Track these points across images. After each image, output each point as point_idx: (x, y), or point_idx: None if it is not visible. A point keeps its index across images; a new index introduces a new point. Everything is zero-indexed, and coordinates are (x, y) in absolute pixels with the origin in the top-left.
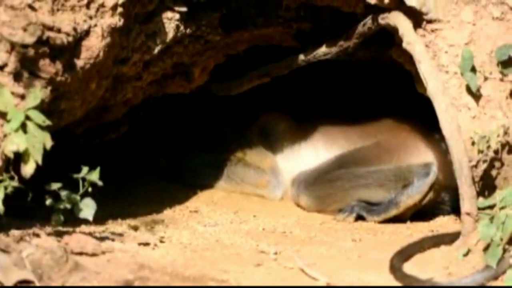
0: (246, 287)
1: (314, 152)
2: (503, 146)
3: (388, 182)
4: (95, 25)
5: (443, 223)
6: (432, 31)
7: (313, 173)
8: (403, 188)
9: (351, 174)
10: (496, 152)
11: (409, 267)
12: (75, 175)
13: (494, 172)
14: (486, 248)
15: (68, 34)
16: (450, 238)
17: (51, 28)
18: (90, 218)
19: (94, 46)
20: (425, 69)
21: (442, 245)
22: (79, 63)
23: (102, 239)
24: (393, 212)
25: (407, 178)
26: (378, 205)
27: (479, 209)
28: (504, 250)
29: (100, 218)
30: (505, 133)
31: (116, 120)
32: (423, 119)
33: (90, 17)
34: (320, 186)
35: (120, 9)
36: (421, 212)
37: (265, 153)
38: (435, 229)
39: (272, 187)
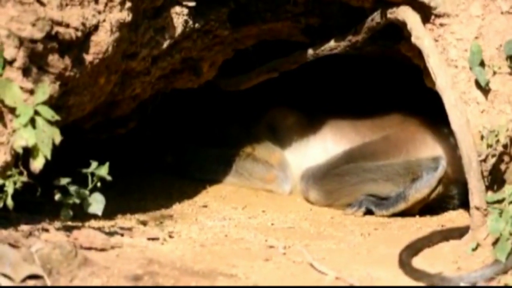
0: (255, 286)
1: (323, 146)
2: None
3: (396, 176)
4: (104, 20)
5: (452, 218)
6: (441, 25)
7: (322, 168)
8: (411, 182)
9: (360, 169)
10: (505, 146)
11: (418, 262)
12: (84, 170)
13: (503, 166)
14: (495, 243)
15: (76, 29)
16: (459, 233)
17: (59, 23)
18: (99, 213)
19: (102, 41)
20: (434, 63)
21: (451, 239)
22: (88, 58)
23: (111, 234)
24: (401, 206)
25: (416, 172)
26: (387, 199)
27: (488, 203)
28: None
29: (109, 213)
30: None
31: (124, 115)
32: (432, 114)
33: (99, 12)
34: (329, 180)
35: (128, 4)
36: (430, 207)
37: (273, 148)
38: (444, 223)
39: (281, 181)
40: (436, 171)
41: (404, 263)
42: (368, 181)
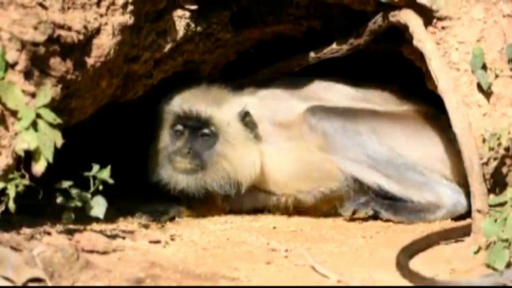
0: (257, 287)
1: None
2: None
3: (410, 186)
4: (106, 23)
5: (454, 221)
6: (443, 28)
7: (334, 111)
8: (434, 209)
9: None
10: (507, 149)
11: (419, 264)
12: (86, 173)
13: (505, 169)
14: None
15: (78, 32)
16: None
17: (61, 26)
18: (101, 216)
19: (104, 44)
20: (436, 66)
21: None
22: (90, 61)
23: (113, 237)
24: (417, 221)
25: (438, 201)
26: (396, 202)
27: (490, 206)
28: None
29: (111, 216)
30: None
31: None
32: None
33: (101, 15)
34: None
35: (130, 7)
36: None
37: None
38: (447, 226)
39: None
40: (457, 207)
41: (401, 265)
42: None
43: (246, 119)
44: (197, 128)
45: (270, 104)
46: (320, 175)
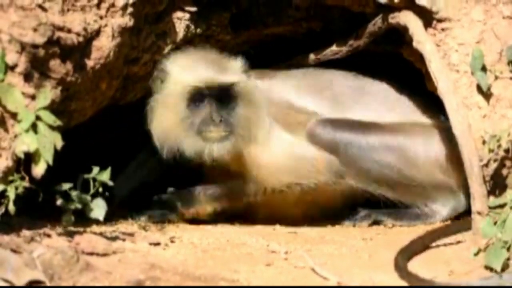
0: (257, 287)
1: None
2: None
3: (409, 194)
4: (106, 25)
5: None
6: (443, 30)
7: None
8: (434, 213)
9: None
10: (506, 151)
11: (418, 265)
12: (86, 175)
13: (505, 171)
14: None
15: (78, 34)
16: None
17: (61, 28)
18: (101, 218)
19: (104, 46)
20: (436, 68)
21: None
22: (90, 63)
23: (113, 239)
24: (417, 224)
25: (438, 209)
26: (399, 209)
27: (490, 208)
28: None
29: (110, 218)
30: None
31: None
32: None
33: (101, 17)
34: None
35: (130, 9)
36: None
37: None
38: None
39: None
40: (456, 209)
41: (400, 267)
42: (385, 180)
43: None
44: (220, 95)
45: (274, 96)
46: (310, 174)
